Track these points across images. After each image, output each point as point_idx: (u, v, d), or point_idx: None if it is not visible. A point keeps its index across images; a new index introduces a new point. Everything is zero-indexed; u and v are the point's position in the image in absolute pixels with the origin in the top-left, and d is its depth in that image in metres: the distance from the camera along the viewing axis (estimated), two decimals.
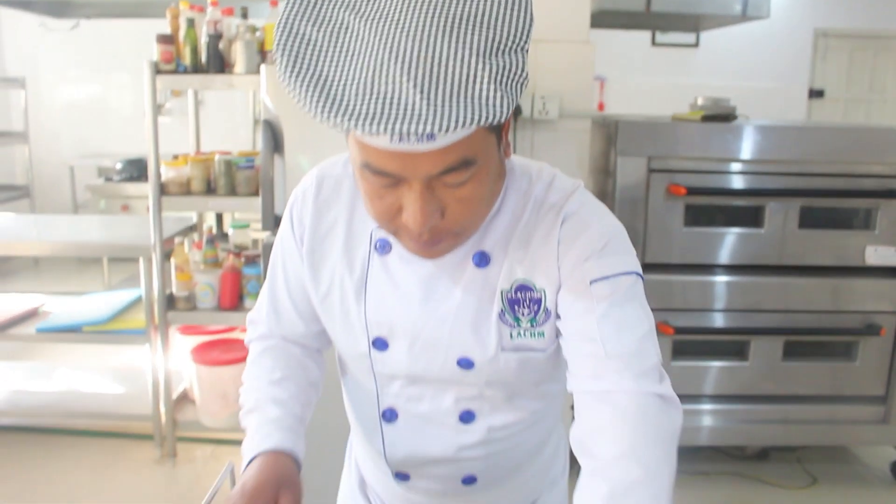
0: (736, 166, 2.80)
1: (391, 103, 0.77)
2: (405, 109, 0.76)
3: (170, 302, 3.18)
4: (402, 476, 1.18)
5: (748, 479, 3.16)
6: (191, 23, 2.94)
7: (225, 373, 3.12)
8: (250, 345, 1.22)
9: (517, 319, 1.02)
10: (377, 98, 0.77)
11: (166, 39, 2.95)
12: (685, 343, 2.94)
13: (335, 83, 0.80)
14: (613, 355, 0.93)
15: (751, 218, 2.86)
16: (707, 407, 3.01)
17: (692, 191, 2.76)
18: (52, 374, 3.83)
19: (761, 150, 2.76)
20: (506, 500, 1.21)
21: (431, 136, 0.82)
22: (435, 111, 0.76)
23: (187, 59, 2.96)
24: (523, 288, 1.01)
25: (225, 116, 6.27)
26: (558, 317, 1.01)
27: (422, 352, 1.05)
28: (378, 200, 0.91)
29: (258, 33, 2.98)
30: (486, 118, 0.78)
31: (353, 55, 0.81)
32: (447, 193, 0.89)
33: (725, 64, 7.07)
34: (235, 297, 3.14)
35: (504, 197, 1.02)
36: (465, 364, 1.04)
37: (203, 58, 2.97)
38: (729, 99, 3.05)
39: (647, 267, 2.73)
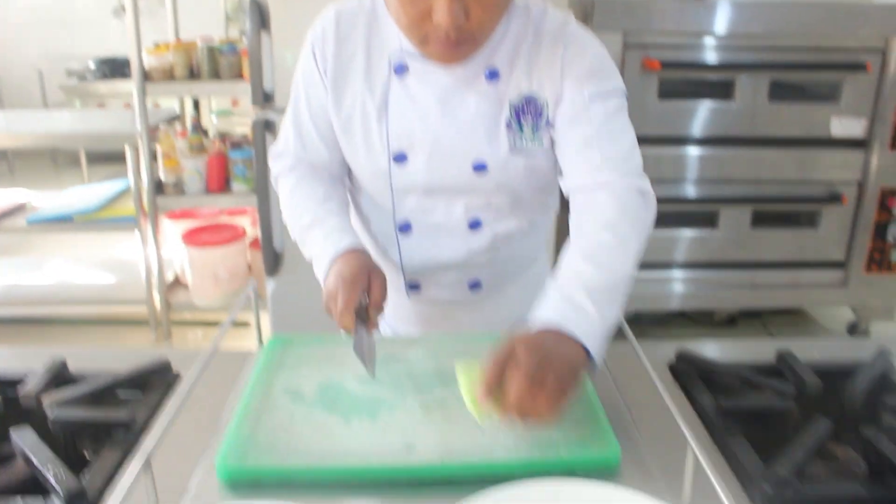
0: (709, 41, 2.88)
1: None
2: None
3: (158, 189, 3.24)
4: (414, 286, 1.32)
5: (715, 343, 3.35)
6: None
7: (216, 254, 3.22)
8: (279, 179, 1.32)
9: (521, 127, 1.16)
10: None
11: None
12: (659, 213, 3.05)
13: None
14: (607, 158, 1.12)
15: (723, 91, 2.96)
16: (678, 274, 3.18)
17: (666, 65, 2.85)
18: (44, 266, 3.90)
19: (734, 25, 2.84)
20: (505, 309, 1.35)
21: None
22: None
23: None
24: (529, 100, 1.15)
25: (192, 6, 6.16)
26: (554, 128, 1.16)
27: (440, 160, 1.18)
28: (410, 6, 1.03)
29: None
30: None
31: None
32: None
33: None
34: (223, 181, 3.21)
35: (509, 21, 1.15)
36: (480, 168, 1.17)
37: None
38: None
39: None
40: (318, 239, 1.20)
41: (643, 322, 3.48)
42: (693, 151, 3.01)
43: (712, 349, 1.23)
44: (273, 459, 0.88)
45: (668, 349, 1.21)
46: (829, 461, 1.03)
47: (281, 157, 1.31)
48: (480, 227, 1.26)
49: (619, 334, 1.09)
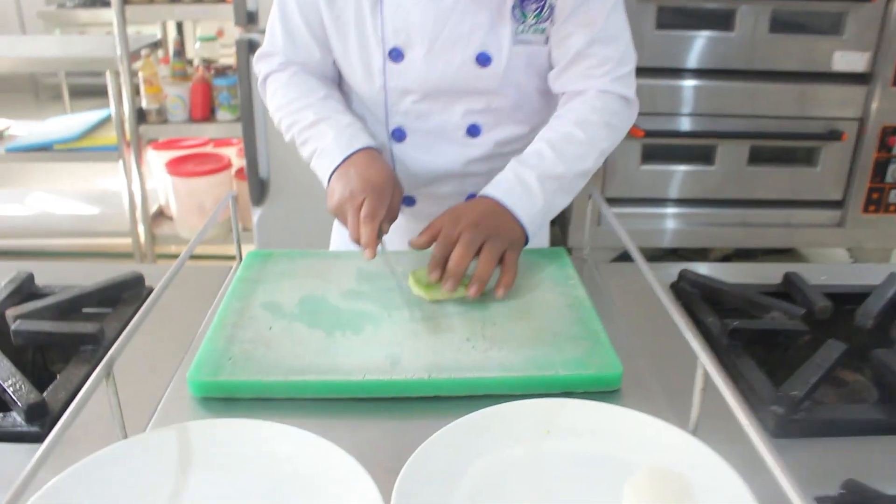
0: None
1: None
2: None
3: (140, 117, 3.14)
4: (408, 200, 1.25)
5: None
6: None
7: (201, 184, 3.13)
8: (268, 78, 1.23)
9: (524, 15, 1.08)
10: None
11: None
12: (654, 147, 3.00)
13: None
14: (602, 61, 1.10)
15: (722, 22, 2.85)
16: (672, 211, 3.11)
17: None
18: (25, 198, 3.80)
19: None
20: None
21: None
22: None
23: None
24: None
25: None
26: (552, 24, 1.10)
27: (440, 54, 1.10)
28: None
29: None
30: None
31: None
32: None
33: None
34: (207, 109, 3.11)
35: None
36: (483, 60, 1.09)
37: None
38: None
39: None
40: (328, 134, 1.12)
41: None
42: (690, 84, 2.92)
43: (715, 271, 1.17)
44: (248, 374, 0.82)
45: (670, 271, 1.15)
46: (839, 387, 0.98)
47: (268, 56, 1.22)
48: (479, 134, 1.18)
49: (623, 255, 1.04)
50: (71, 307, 1.01)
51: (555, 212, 1.10)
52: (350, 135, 1.11)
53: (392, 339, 0.89)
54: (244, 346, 0.87)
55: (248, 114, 2.48)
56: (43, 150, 3.23)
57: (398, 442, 0.73)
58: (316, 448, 0.69)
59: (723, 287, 1.06)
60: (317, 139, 1.13)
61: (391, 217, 1.05)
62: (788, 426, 0.79)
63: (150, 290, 1.08)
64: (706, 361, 0.73)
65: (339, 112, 1.15)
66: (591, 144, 1.10)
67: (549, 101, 1.21)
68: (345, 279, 1.04)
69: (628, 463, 0.70)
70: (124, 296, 1.06)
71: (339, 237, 1.40)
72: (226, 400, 0.82)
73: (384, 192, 1.03)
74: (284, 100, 1.18)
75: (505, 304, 0.97)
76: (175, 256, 1.14)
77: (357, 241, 1.01)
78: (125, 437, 0.74)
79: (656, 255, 3.51)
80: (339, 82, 1.25)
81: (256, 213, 2.64)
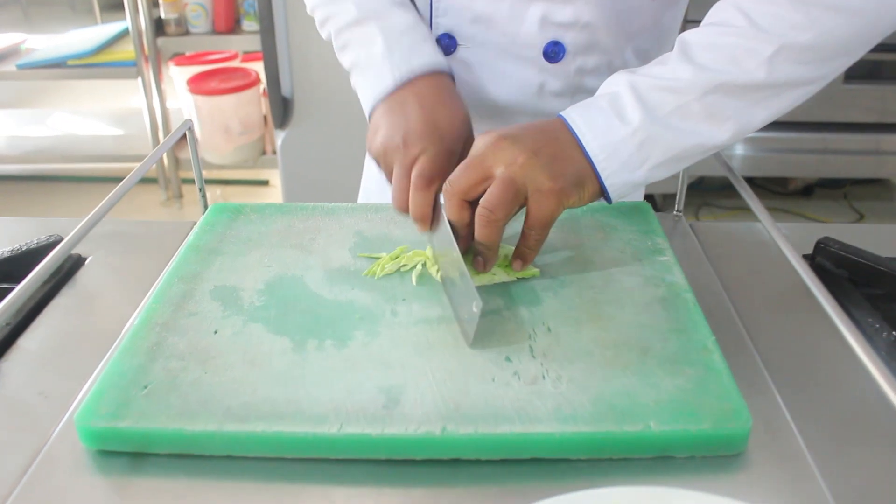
0: None
1: None
2: None
3: (159, 28, 2.84)
4: None
5: (791, 214, 2.95)
6: None
7: (226, 102, 2.83)
8: None
9: None
10: None
11: None
12: None
13: None
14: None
15: None
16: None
17: None
18: (46, 119, 3.56)
19: None
20: None
21: None
22: None
23: None
24: None
25: None
26: None
27: None
28: None
29: None
30: None
31: None
32: None
33: None
34: (231, 18, 2.80)
35: None
36: None
37: None
38: None
39: None
40: (376, 40, 0.77)
41: (704, 188, 3.04)
42: None
43: (858, 235, 0.83)
44: (168, 416, 0.52)
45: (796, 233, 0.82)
46: None
47: None
48: (561, 56, 0.82)
49: (744, 211, 0.71)
50: None
51: (671, 155, 0.67)
52: (409, 46, 0.76)
53: (391, 357, 0.58)
54: (170, 366, 0.57)
55: (267, 22, 2.16)
56: (56, 66, 2.97)
57: None
58: None
59: (883, 268, 0.72)
60: (359, 45, 0.79)
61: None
62: None
63: (78, 260, 0.80)
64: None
65: (394, 5, 0.79)
66: (758, 35, 0.64)
67: (668, 20, 0.85)
68: (335, 250, 0.73)
69: None
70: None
71: (372, 183, 1.06)
72: (135, 456, 0.53)
73: (452, 146, 0.70)
74: None
75: (564, 296, 0.66)
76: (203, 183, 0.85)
77: (403, 209, 0.69)
78: None
79: (727, 184, 3.10)
80: None
81: (280, 137, 2.34)
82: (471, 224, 0.65)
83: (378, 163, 0.73)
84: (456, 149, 0.69)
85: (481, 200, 0.63)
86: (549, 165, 0.63)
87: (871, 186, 3.22)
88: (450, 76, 0.76)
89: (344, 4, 0.80)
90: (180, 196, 3.13)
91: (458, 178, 0.64)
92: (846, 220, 2.95)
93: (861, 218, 2.98)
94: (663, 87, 0.65)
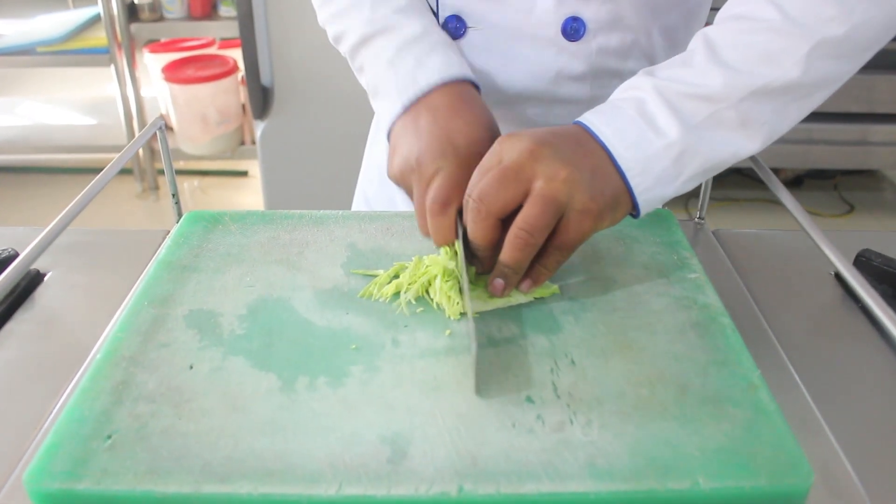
0: None
1: None
2: None
3: (132, 13, 2.74)
4: None
5: (783, 205, 2.90)
6: None
7: (202, 91, 2.73)
8: None
9: None
10: None
11: None
12: None
13: None
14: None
15: None
16: None
17: None
18: (15, 108, 3.43)
19: None
20: None
21: None
22: None
23: None
24: None
25: None
26: None
27: None
28: None
29: None
30: None
31: None
32: None
33: None
34: (208, 4, 2.70)
35: None
36: None
37: None
38: None
39: None
40: (382, 61, 0.71)
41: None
42: None
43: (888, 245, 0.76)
44: (134, 475, 0.45)
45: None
46: None
47: None
48: (582, 33, 0.74)
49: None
50: None
51: (707, 167, 0.61)
52: (414, 62, 0.69)
53: (394, 397, 0.51)
54: (138, 410, 0.50)
55: (246, 7, 2.06)
56: (25, 53, 2.86)
57: None
58: None
59: None
60: (370, 67, 0.73)
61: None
62: None
63: (37, 277, 0.71)
64: None
65: (401, 12, 0.72)
66: (793, 30, 0.58)
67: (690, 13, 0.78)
68: (326, 266, 0.65)
69: None
70: None
71: (366, 195, 0.98)
72: None
73: (471, 159, 0.62)
74: (337, 7, 0.75)
75: (586, 321, 0.58)
76: (180, 173, 0.76)
77: (426, 234, 0.63)
78: None
79: (722, 178, 3.04)
80: None
81: (259, 127, 2.25)
82: (498, 245, 0.58)
83: (400, 186, 0.67)
84: (476, 160, 0.61)
85: (518, 220, 0.56)
86: (591, 182, 0.56)
87: (861, 177, 3.20)
88: (467, 81, 0.69)
89: (352, 20, 0.73)
90: (156, 188, 3.03)
91: (491, 193, 0.56)
92: (836, 212, 2.93)
93: (851, 209, 2.96)
94: (694, 95, 0.59)
